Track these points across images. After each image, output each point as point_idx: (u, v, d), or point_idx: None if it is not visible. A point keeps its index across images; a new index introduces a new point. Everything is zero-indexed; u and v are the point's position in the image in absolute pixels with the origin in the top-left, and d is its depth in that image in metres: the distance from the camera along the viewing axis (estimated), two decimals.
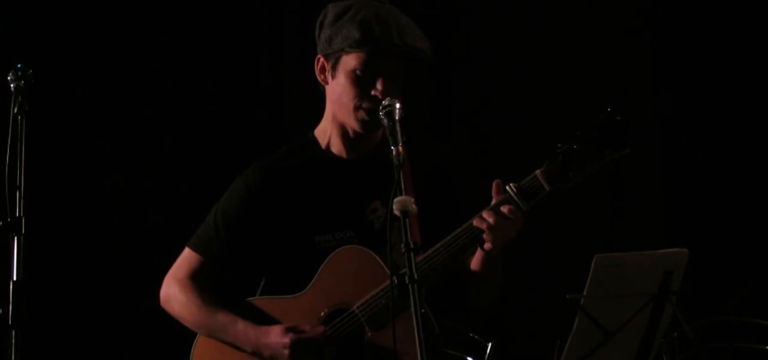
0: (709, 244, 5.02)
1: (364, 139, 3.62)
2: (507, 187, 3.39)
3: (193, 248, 3.71)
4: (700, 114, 5.26)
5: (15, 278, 3.41)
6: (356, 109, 3.54)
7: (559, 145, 3.40)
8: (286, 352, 3.51)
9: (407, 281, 2.98)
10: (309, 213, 3.62)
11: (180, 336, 3.75)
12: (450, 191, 3.66)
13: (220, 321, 3.62)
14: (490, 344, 4.26)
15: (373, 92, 3.49)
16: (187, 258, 3.72)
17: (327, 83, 3.62)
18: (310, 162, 3.66)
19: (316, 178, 3.65)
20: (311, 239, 3.60)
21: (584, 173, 3.38)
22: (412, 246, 3.00)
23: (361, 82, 3.52)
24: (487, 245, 3.40)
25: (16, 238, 3.42)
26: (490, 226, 3.37)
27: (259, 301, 3.66)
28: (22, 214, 3.43)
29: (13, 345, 3.38)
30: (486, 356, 4.28)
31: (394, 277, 3.02)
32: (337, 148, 3.66)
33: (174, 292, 3.70)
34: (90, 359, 5.23)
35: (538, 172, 3.38)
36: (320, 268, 3.57)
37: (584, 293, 3.27)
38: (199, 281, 3.68)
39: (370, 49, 3.49)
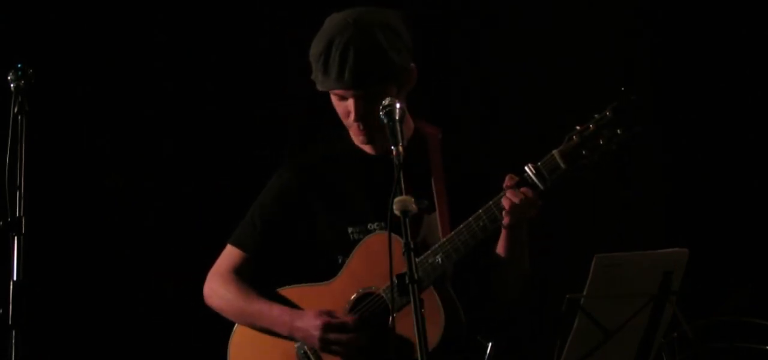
0: (709, 244, 5.01)
1: (383, 140, 3.66)
2: (526, 168, 3.54)
3: (234, 243, 3.87)
4: (700, 114, 5.25)
5: (15, 278, 3.41)
6: (349, 127, 3.75)
7: (577, 126, 3.55)
8: (317, 332, 3.67)
9: (407, 281, 3.02)
10: (341, 206, 3.78)
11: (180, 336, 3.75)
12: (482, 189, 3.70)
13: (256, 308, 3.78)
14: (490, 344, 4.27)
15: (347, 121, 3.71)
16: (228, 253, 3.88)
17: None
18: (341, 156, 3.83)
19: (347, 171, 3.81)
20: (344, 230, 3.75)
21: (598, 152, 3.53)
22: (411, 246, 3.04)
23: (339, 108, 3.71)
24: (506, 220, 3.55)
25: (16, 238, 3.42)
26: (512, 206, 3.53)
27: (291, 290, 3.80)
28: (22, 214, 3.43)
29: (13, 345, 3.38)
30: (486, 356, 4.28)
31: (395, 277, 3.07)
32: (364, 146, 3.80)
33: (215, 287, 3.87)
34: (90, 359, 5.23)
35: (554, 151, 3.55)
36: (351, 256, 3.72)
37: (584, 293, 3.28)
38: (239, 274, 3.84)
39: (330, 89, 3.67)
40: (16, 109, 3.48)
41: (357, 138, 3.76)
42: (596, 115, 3.54)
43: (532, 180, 3.53)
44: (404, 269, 3.52)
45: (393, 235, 3.57)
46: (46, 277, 4.89)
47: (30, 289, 3.42)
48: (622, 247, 3.36)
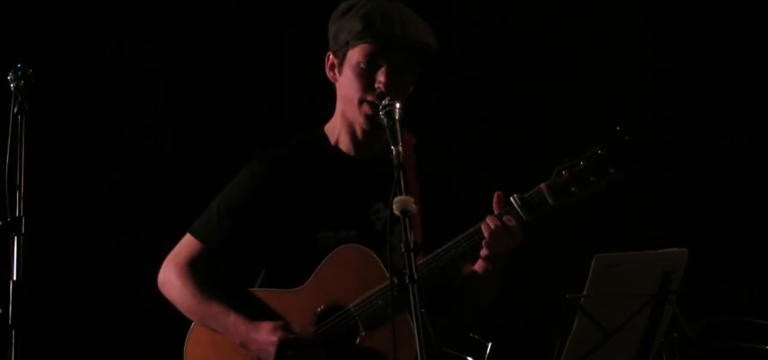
0: (709, 244, 5.02)
1: (372, 138, 3.58)
2: (511, 198, 3.39)
3: (194, 235, 3.69)
4: (699, 113, 5.26)
5: (15, 278, 3.40)
6: (360, 102, 3.51)
7: (565, 159, 3.39)
8: (272, 349, 3.51)
9: (407, 281, 2.96)
10: (313, 209, 3.61)
11: (180, 336, 3.75)
12: (454, 196, 3.65)
13: (212, 310, 3.61)
14: (490, 344, 4.27)
15: (376, 85, 3.47)
16: (187, 244, 3.70)
17: (336, 80, 3.60)
18: (318, 158, 3.64)
19: (322, 174, 3.63)
20: (313, 235, 3.59)
21: (588, 190, 3.37)
22: (411, 246, 2.98)
23: (364, 75, 3.50)
24: (486, 252, 3.41)
25: (16, 238, 3.42)
26: (491, 234, 3.38)
27: (257, 292, 3.65)
28: (22, 214, 3.42)
29: (13, 345, 3.38)
30: (486, 356, 4.29)
31: (394, 278, 3.02)
32: (345, 146, 3.64)
33: (170, 277, 3.69)
34: (90, 359, 5.23)
35: (542, 185, 3.38)
36: (321, 264, 3.56)
37: (584, 293, 3.28)
38: (197, 268, 3.66)
39: (372, 41, 3.47)
40: (16, 109, 3.47)
41: (360, 120, 3.54)
42: (586, 151, 3.37)
43: (517, 212, 3.37)
44: (370, 290, 3.49)
45: (364, 248, 3.52)
46: (46, 277, 4.89)
47: (30, 289, 3.42)
48: (622, 247, 3.36)
